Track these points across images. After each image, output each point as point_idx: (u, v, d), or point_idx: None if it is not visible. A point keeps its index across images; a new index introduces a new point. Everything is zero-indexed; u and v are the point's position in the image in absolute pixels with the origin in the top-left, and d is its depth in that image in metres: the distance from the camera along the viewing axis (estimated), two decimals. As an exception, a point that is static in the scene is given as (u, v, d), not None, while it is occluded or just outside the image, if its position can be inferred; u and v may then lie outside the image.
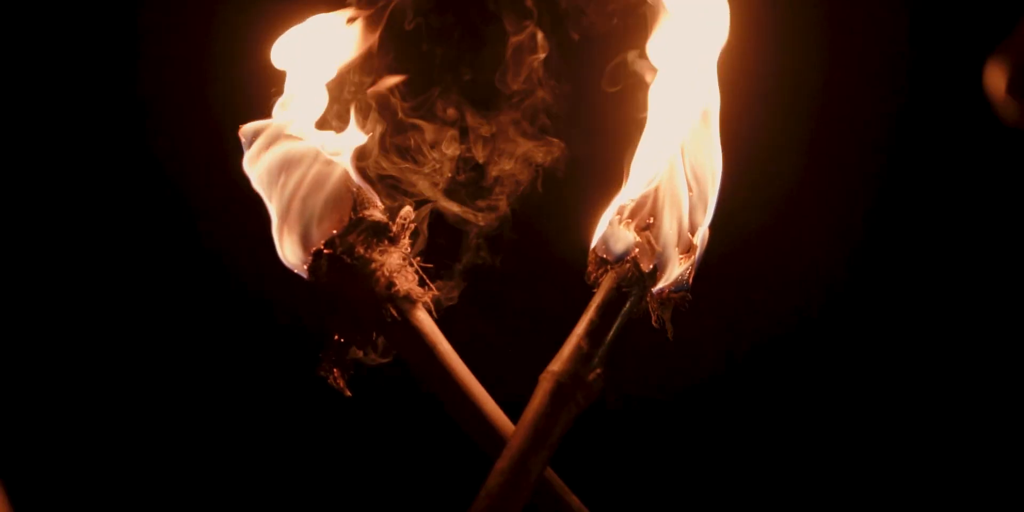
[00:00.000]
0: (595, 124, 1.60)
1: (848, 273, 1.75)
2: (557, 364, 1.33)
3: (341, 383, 1.33)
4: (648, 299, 1.36)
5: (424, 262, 1.30)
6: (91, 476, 1.76)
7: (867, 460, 2.04)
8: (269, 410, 1.64)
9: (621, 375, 1.38)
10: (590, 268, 1.39)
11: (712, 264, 1.35)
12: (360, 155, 1.34)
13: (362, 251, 1.29)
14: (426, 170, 1.41)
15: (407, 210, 1.31)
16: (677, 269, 1.35)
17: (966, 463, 2.03)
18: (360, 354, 1.35)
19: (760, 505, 1.82)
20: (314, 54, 1.42)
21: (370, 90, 1.41)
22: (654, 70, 1.43)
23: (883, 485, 2.07)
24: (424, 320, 1.31)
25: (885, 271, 1.77)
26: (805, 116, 1.69)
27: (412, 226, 1.31)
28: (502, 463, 1.33)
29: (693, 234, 1.36)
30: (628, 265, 1.36)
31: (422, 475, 1.79)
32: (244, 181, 1.34)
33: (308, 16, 1.45)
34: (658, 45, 1.42)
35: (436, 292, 1.32)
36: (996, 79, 1.41)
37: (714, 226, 1.33)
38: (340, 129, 1.36)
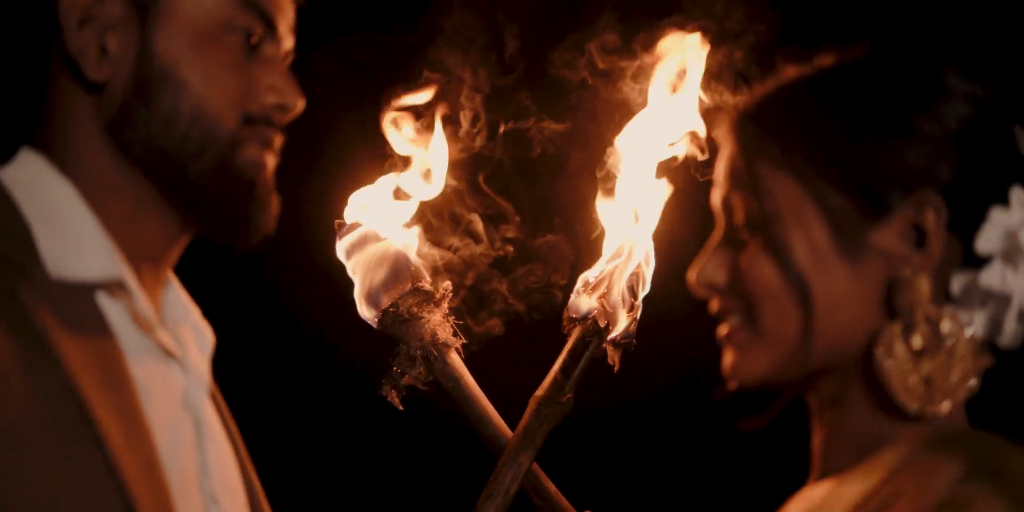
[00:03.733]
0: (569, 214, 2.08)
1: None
2: (541, 391, 1.84)
3: (396, 400, 1.86)
4: (604, 345, 1.84)
5: (456, 320, 1.83)
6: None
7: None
8: (341, 417, 2.13)
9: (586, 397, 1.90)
10: (564, 323, 1.87)
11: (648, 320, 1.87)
12: (416, 244, 1.89)
13: (415, 310, 1.83)
14: (463, 255, 1.94)
15: (447, 284, 1.85)
16: (624, 324, 1.83)
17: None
18: (409, 381, 1.85)
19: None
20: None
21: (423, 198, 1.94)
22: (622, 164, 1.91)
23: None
24: (455, 359, 1.83)
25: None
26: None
27: (449, 295, 1.84)
28: (504, 458, 1.82)
29: (636, 300, 1.89)
30: (590, 322, 1.85)
31: (444, 469, 2.22)
32: (332, 261, 1.87)
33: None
34: (628, 141, 1.83)
35: (464, 341, 1.84)
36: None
37: (649, 295, 1.85)
38: (403, 225, 1.88)
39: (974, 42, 1.02)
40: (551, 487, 1.87)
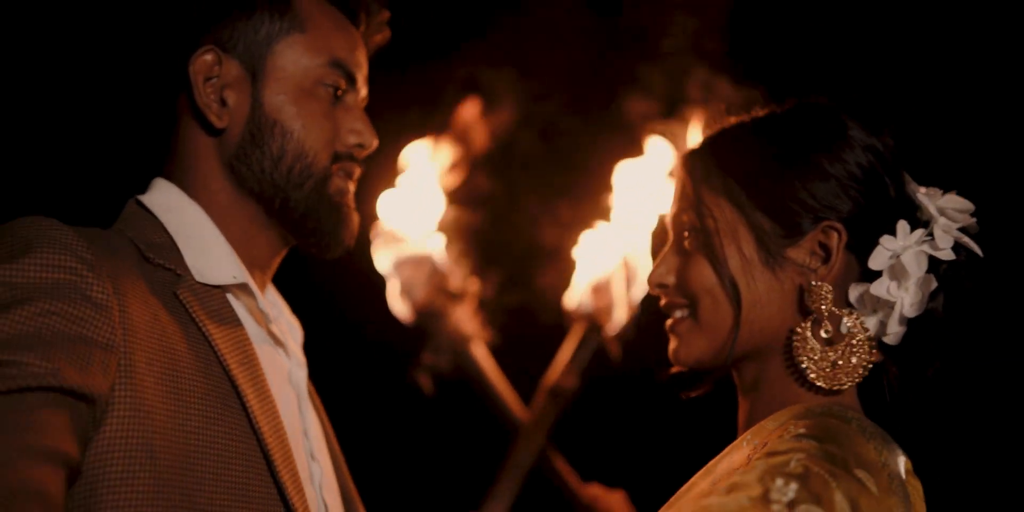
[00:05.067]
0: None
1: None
2: (551, 378, 2.08)
3: (426, 385, 2.09)
4: (603, 338, 2.07)
5: (478, 315, 2.06)
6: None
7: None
8: (379, 400, 2.29)
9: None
10: (569, 320, 2.10)
11: (643, 317, 2.07)
12: (444, 247, 2.09)
13: (444, 308, 2.09)
14: (483, 258, 2.18)
15: (474, 283, 2.09)
16: (621, 319, 2.05)
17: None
18: (437, 369, 2.09)
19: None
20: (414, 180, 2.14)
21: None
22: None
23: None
24: (478, 350, 2.08)
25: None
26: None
27: (473, 294, 2.07)
28: (519, 437, 2.06)
29: (632, 298, 2.11)
30: (591, 318, 2.06)
31: (467, 444, 2.38)
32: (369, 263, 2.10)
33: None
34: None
35: (488, 334, 2.07)
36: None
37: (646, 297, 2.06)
38: (433, 230, 2.11)
39: (877, 103, 1.16)
40: (560, 462, 2.09)
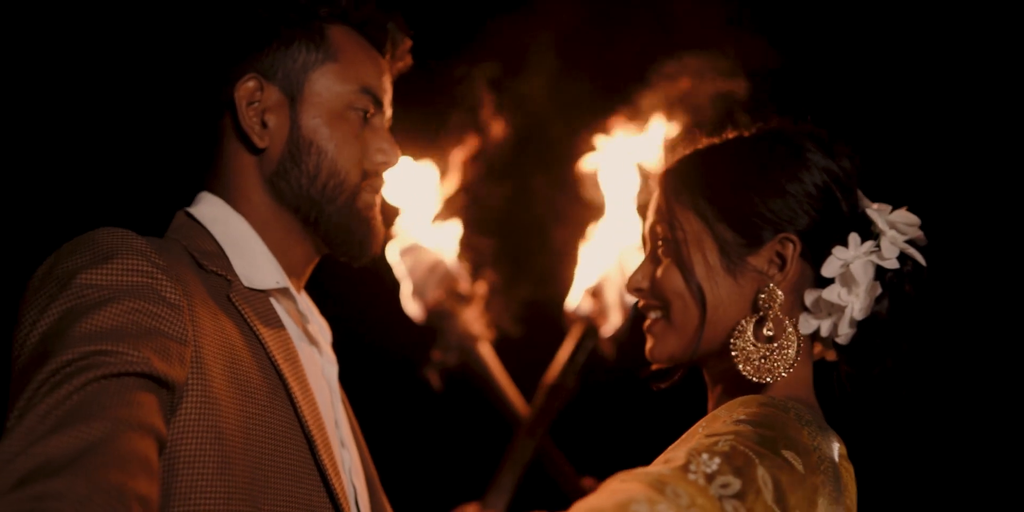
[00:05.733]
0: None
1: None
2: (551, 376, 2.20)
3: (435, 381, 2.23)
4: (599, 339, 2.19)
5: (484, 317, 2.21)
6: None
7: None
8: (391, 394, 2.35)
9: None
10: (568, 322, 2.21)
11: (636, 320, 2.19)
12: (454, 253, 2.24)
13: (453, 309, 2.23)
14: (490, 264, 2.32)
15: (481, 286, 2.24)
16: (616, 322, 2.16)
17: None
18: (446, 366, 2.23)
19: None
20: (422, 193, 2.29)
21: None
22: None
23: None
24: (484, 349, 2.21)
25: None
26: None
27: (480, 297, 2.21)
28: (521, 431, 2.18)
29: (625, 302, 2.21)
30: (588, 320, 2.19)
31: (472, 437, 2.49)
32: (386, 267, 2.23)
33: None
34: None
35: (493, 334, 2.21)
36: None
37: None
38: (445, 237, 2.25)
39: (835, 128, 1.26)
40: (559, 455, 2.21)
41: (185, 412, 1.09)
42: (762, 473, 1.01)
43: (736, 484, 0.99)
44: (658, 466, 1.03)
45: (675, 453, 1.05)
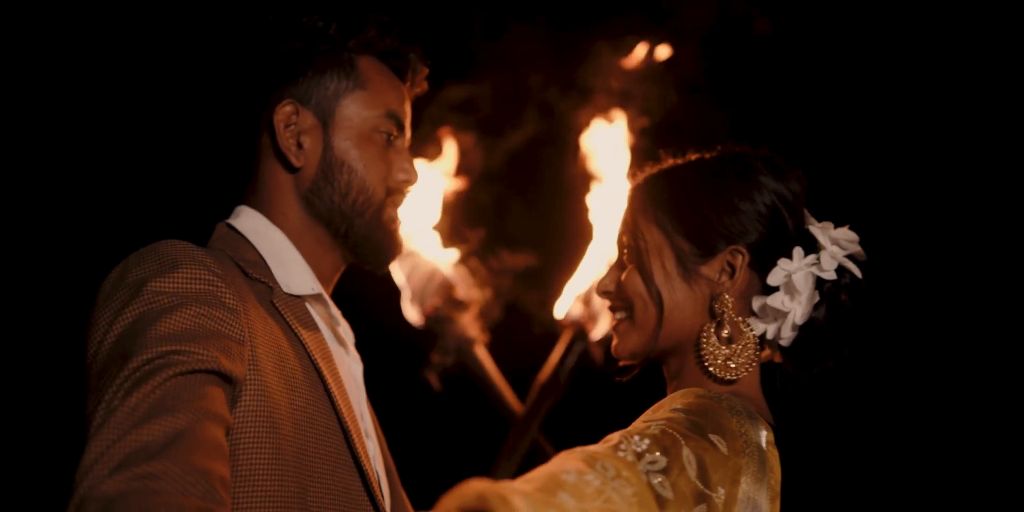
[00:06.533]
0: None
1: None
2: (543, 375, 2.34)
3: (434, 380, 2.35)
4: (588, 342, 2.31)
5: (483, 321, 2.34)
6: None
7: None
8: (393, 392, 2.48)
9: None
10: (559, 326, 2.35)
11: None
12: (452, 262, 2.36)
13: (450, 314, 2.36)
14: (486, 273, 2.45)
15: (476, 292, 2.36)
16: (604, 327, 2.29)
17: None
18: (445, 366, 2.35)
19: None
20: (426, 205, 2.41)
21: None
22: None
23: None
24: (481, 350, 2.35)
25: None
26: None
27: (477, 302, 2.34)
28: (515, 428, 2.33)
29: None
30: (578, 325, 2.31)
31: (469, 433, 2.59)
32: (387, 274, 2.33)
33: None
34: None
35: (488, 337, 2.34)
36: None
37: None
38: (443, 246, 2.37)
39: (786, 153, 1.35)
40: (551, 450, 2.33)
41: (244, 404, 1.19)
42: (687, 453, 1.11)
43: (663, 461, 1.09)
44: (596, 445, 1.12)
45: (613, 435, 1.14)
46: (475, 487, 0.96)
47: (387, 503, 1.35)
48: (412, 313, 2.34)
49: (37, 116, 2.53)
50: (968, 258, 2.57)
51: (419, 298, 2.34)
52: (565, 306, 2.36)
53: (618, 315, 1.34)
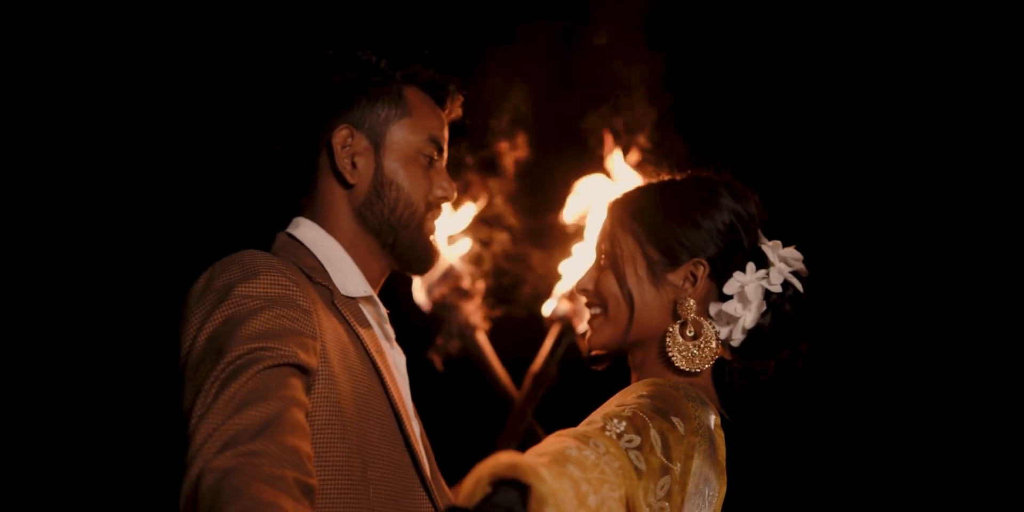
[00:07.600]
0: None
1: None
2: (536, 365, 2.51)
3: (438, 362, 2.54)
4: (575, 336, 2.46)
5: (482, 309, 2.50)
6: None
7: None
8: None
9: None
10: (548, 320, 2.50)
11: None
12: (459, 253, 2.53)
13: (455, 302, 2.53)
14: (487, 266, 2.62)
15: (480, 283, 2.53)
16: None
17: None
18: (449, 349, 2.54)
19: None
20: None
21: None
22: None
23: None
24: (482, 337, 2.54)
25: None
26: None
27: (480, 292, 2.51)
28: (513, 410, 2.51)
29: None
30: (565, 320, 2.48)
31: (470, 413, 2.71)
32: None
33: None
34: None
35: (489, 325, 2.52)
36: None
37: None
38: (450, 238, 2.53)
39: (746, 177, 1.51)
40: (543, 433, 2.49)
41: (317, 391, 1.35)
42: (654, 433, 1.28)
43: (637, 440, 1.26)
44: (584, 427, 1.28)
45: (595, 416, 1.30)
46: (507, 459, 1.08)
47: (430, 477, 1.52)
48: (421, 299, 2.53)
49: (110, 128, 2.74)
50: (927, 263, 2.79)
51: (428, 286, 2.53)
52: (553, 302, 2.54)
53: (593, 311, 1.49)
